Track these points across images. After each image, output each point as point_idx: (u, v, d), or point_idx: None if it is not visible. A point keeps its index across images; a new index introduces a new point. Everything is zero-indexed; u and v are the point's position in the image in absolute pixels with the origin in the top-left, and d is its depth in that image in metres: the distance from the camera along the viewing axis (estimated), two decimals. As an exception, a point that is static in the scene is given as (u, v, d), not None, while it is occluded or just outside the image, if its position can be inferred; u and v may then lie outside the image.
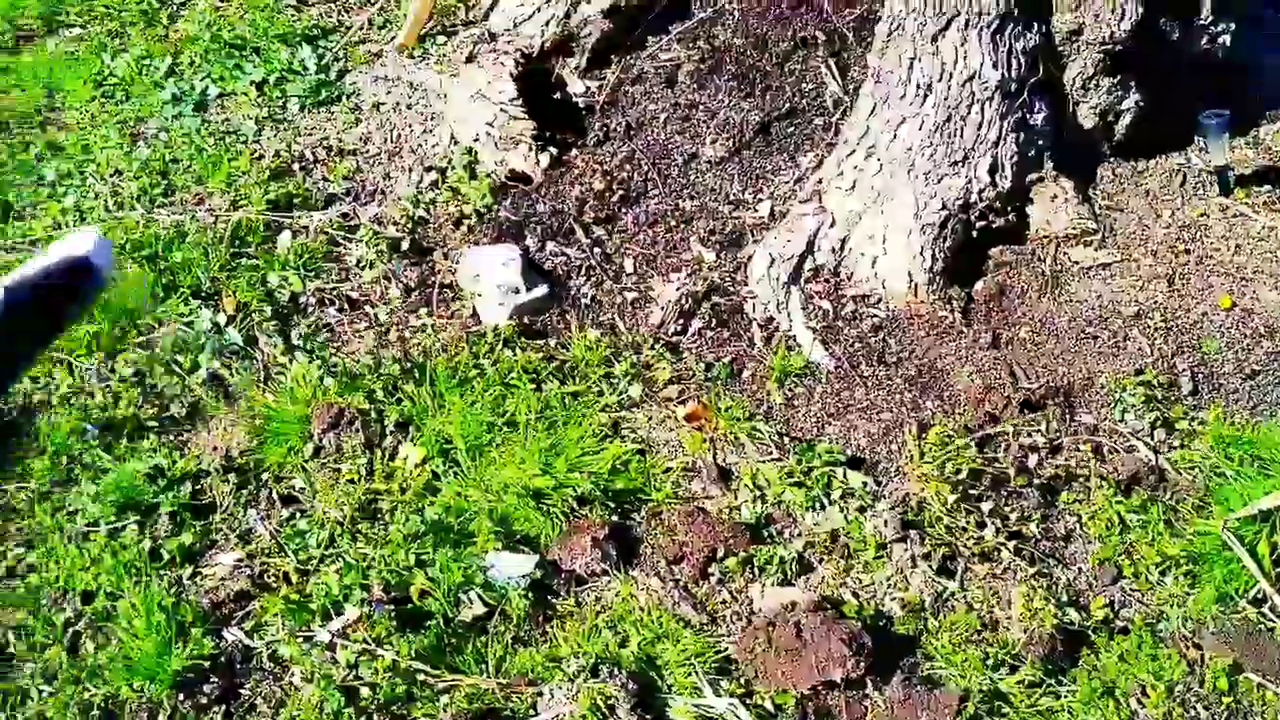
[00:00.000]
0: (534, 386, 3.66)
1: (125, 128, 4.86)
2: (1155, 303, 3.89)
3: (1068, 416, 3.59)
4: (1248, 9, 4.40)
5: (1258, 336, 3.74)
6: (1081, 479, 3.42)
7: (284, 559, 3.20)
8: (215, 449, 3.55)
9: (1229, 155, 4.20)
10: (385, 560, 3.14)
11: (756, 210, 4.26)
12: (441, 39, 5.21)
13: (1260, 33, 4.59)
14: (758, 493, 3.37)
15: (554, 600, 3.12)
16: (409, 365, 3.69)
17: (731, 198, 4.33)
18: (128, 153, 4.70)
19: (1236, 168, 4.23)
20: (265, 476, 3.46)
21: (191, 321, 3.91)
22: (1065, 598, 3.11)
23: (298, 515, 3.35)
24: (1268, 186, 4.21)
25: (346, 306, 4.09)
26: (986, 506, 3.30)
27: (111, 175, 4.59)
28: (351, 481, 3.38)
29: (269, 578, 3.17)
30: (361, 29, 5.30)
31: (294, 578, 3.13)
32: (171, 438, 3.59)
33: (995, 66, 4.02)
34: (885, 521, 3.26)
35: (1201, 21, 4.25)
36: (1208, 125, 4.13)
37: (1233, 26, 4.28)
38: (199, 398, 3.70)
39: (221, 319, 3.91)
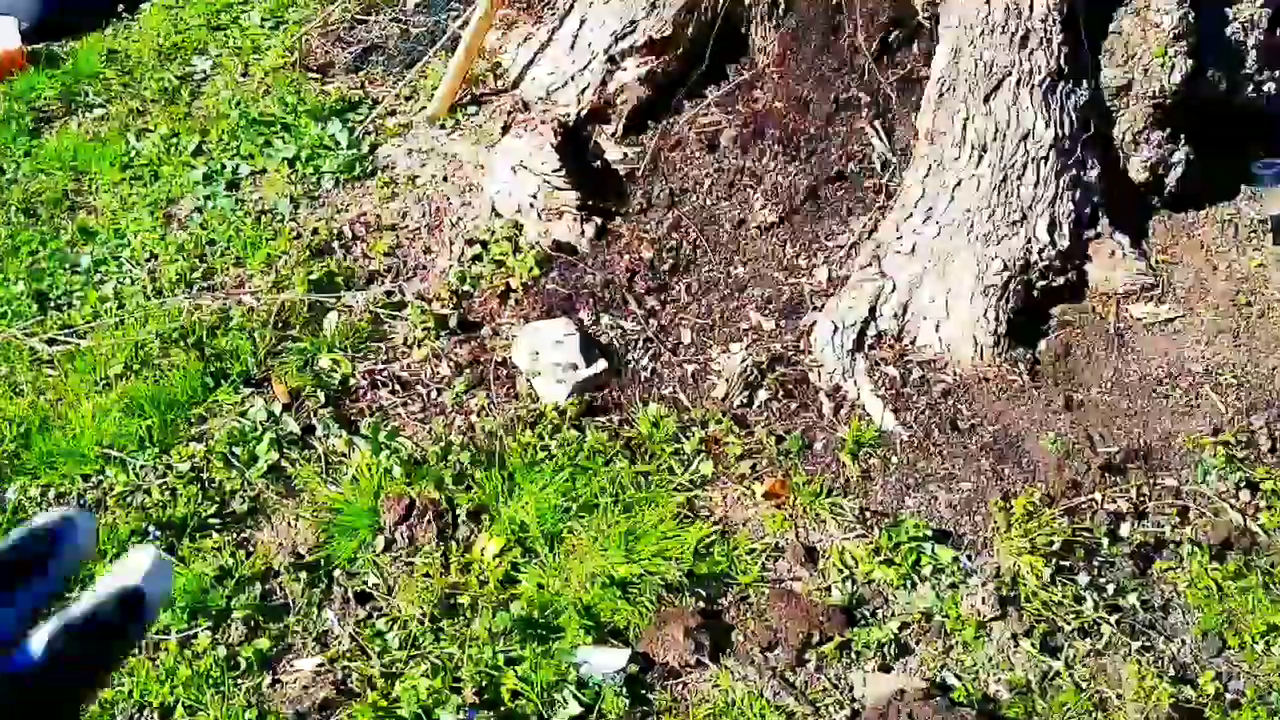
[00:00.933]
0: (602, 464, 3.58)
1: (157, 209, 4.77)
2: (1223, 358, 3.85)
3: (1150, 479, 3.53)
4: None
5: (1333, 390, 3.71)
6: (1172, 545, 3.36)
7: (366, 662, 3.09)
8: (282, 545, 3.45)
9: (1282, 205, 4.19)
10: (473, 660, 3.04)
11: (812, 276, 4.21)
12: (472, 109, 5.15)
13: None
14: (846, 572, 3.29)
15: (649, 695, 3.02)
16: (476, 451, 3.60)
17: (785, 264, 4.28)
18: (162, 236, 4.61)
19: (1288, 216, 4.21)
20: (337, 573, 3.36)
21: (245, 411, 3.81)
22: (1173, 672, 3.04)
23: (375, 614, 3.24)
24: (1322, 235, 4.20)
25: (398, 388, 4.00)
26: (1083, 579, 3.23)
27: (148, 259, 4.50)
28: (428, 575, 3.28)
29: (353, 683, 3.06)
30: (389, 101, 5.25)
31: (379, 682, 3.02)
32: (235, 535, 3.48)
33: (1048, 125, 4.00)
34: (982, 599, 3.18)
35: (1247, 71, 4.25)
36: (1263, 175, 4.13)
37: (1278, 76, 4.28)
38: (260, 491, 3.60)
39: (276, 407, 3.81)
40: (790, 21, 4.62)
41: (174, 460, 3.65)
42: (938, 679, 3.03)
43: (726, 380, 3.87)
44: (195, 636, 3.15)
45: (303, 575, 3.32)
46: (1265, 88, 4.29)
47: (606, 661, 3.03)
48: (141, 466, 3.63)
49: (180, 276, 4.38)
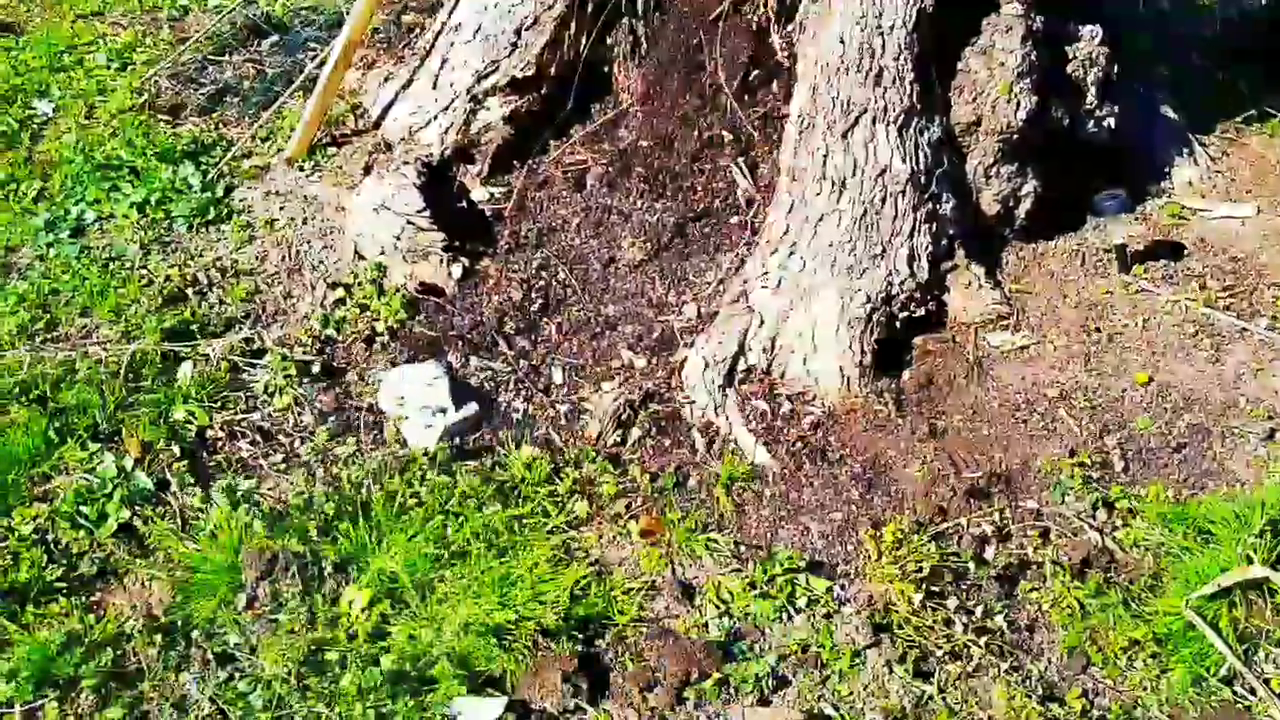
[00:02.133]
0: (475, 509, 3.50)
1: (-5, 259, 4.53)
2: (1076, 382, 3.99)
3: (1012, 502, 3.62)
4: (1129, 95, 4.63)
5: (1178, 410, 3.87)
6: (1035, 565, 3.44)
7: (228, 727, 2.94)
8: (135, 608, 3.27)
9: (1125, 234, 4.39)
10: (342, 717, 2.91)
11: (682, 312, 4.23)
12: (332, 150, 5.04)
13: (1141, 114, 4.83)
14: (723, 607, 3.28)
15: (528, 745, 2.94)
16: (342, 500, 3.48)
17: (654, 301, 4.29)
18: (1, 286, 4.36)
19: (1130, 244, 4.40)
20: (195, 634, 3.19)
21: (93, 468, 3.62)
22: (1041, 691, 3.10)
23: (237, 675, 3.08)
24: (1163, 261, 4.40)
25: (259, 438, 3.86)
26: (952, 603, 3.29)
27: (-15, 312, 4.25)
28: (293, 632, 3.15)
29: (213, 750, 2.90)
30: (245, 143, 5.10)
31: (242, 748, 2.87)
32: (84, 599, 3.28)
33: (904, 160, 4.11)
34: (856, 627, 3.20)
35: (1088, 107, 4.45)
36: (1105, 205, 4.32)
37: (1116, 110, 4.49)
38: (110, 552, 3.40)
39: (128, 462, 3.62)
40: (653, 60, 4.66)
41: (15, 522, 3.43)
42: (816, 710, 3.03)
43: (599, 419, 3.84)
44: (42, 708, 2.95)
45: (158, 638, 3.15)
46: (1105, 122, 4.49)
47: (482, 712, 2.94)
48: (-21, 530, 3.41)
49: (21, 328, 4.14)
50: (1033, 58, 4.25)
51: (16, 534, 3.40)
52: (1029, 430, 3.86)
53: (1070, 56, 4.44)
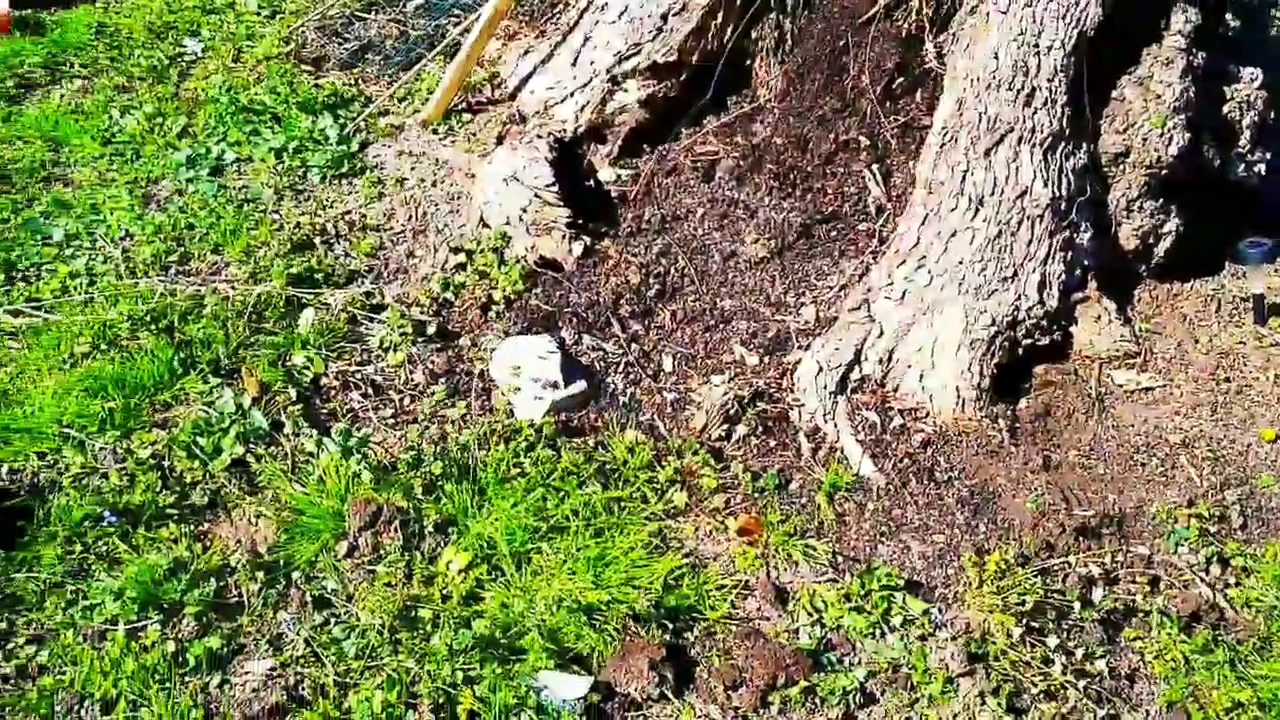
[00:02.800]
0: (576, 486, 3.51)
1: (137, 188, 4.67)
2: (1200, 431, 3.87)
3: (1123, 546, 3.52)
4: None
5: (1304, 471, 3.73)
6: (1142, 614, 3.34)
7: (320, 669, 2.98)
8: (240, 542, 3.34)
9: (1265, 284, 4.23)
10: (430, 675, 2.94)
11: (799, 314, 4.19)
12: (467, 116, 5.10)
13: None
14: (815, 615, 3.24)
15: (609, 727, 2.94)
16: (448, 462, 3.52)
17: (772, 299, 4.25)
18: (140, 215, 4.50)
19: (1269, 296, 4.25)
20: (295, 575, 3.25)
21: (212, 401, 3.71)
22: (1136, 742, 3.02)
23: (332, 620, 3.14)
24: (1302, 317, 4.24)
25: (371, 391, 3.92)
26: (1052, 641, 3.20)
27: (123, 238, 4.39)
28: (390, 585, 3.19)
29: (304, 690, 2.95)
30: (383, 101, 5.18)
31: (332, 691, 2.92)
32: (193, 527, 3.37)
33: (1046, 184, 4.01)
34: (950, 653, 3.14)
35: (1240, 150, 4.30)
36: (1249, 253, 4.17)
37: (1268, 156, 4.34)
38: (222, 485, 3.49)
39: (245, 400, 3.71)
40: (796, 58, 4.62)
41: (134, 445, 3.53)
42: (902, 732, 2.99)
43: (706, 411, 3.82)
44: (144, 629, 3.03)
45: (260, 575, 3.22)
46: (1256, 167, 4.34)
47: (567, 688, 2.95)
48: (100, 449, 3.51)
49: (155, 258, 4.27)
50: (1190, 93, 4.12)
51: (135, 457, 3.50)
52: (1146, 474, 3.74)
53: (1228, 97, 4.30)
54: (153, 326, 3.94)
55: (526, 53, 5.24)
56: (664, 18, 4.71)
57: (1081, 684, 3.12)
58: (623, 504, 3.52)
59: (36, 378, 3.74)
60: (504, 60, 5.31)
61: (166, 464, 3.52)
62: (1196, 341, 4.18)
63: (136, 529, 3.32)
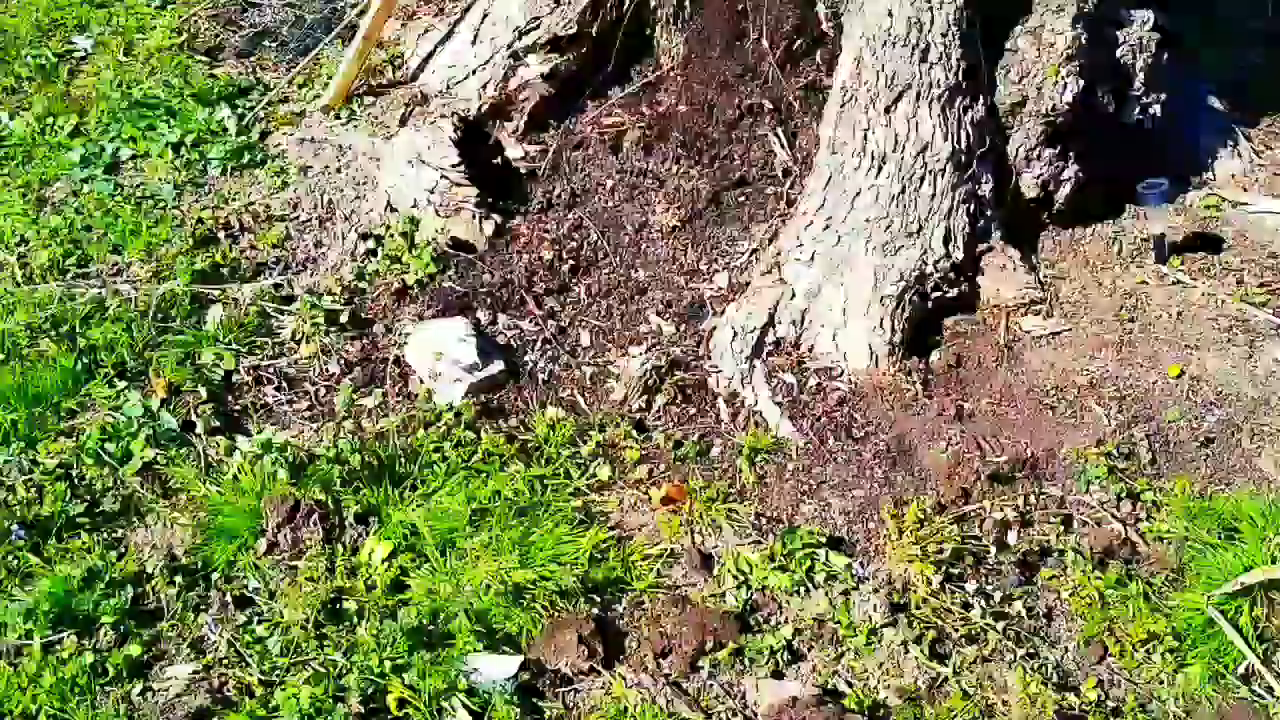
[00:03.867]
0: (498, 468, 3.51)
1: (30, 192, 4.53)
2: (1107, 372, 3.95)
3: (1036, 489, 3.60)
4: (1175, 83, 4.55)
5: (1208, 404, 3.83)
6: (1057, 553, 3.43)
7: (245, 669, 2.96)
8: (156, 547, 3.29)
9: (1165, 224, 4.33)
10: (358, 667, 2.93)
11: (712, 281, 4.21)
12: (369, 99, 5.02)
13: (1186, 103, 4.76)
14: (741, 578, 3.28)
15: (541, 704, 2.95)
16: (366, 452, 3.49)
17: (685, 268, 4.26)
18: (34, 220, 4.38)
19: (1168, 235, 4.34)
20: (215, 577, 3.22)
21: (119, 406, 3.64)
22: (1056, 679, 3.10)
23: (255, 619, 3.11)
24: (1201, 253, 4.34)
25: (285, 385, 3.87)
26: (971, 586, 3.28)
27: (18, 244, 4.27)
28: (312, 580, 3.16)
29: (230, 691, 2.93)
30: (282, 88, 5.08)
31: (258, 690, 2.90)
32: (105, 536, 3.31)
33: (946, 138, 4.06)
34: (874, 605, 3.20)
35: (1134, 93, 4.38)
36: (1147, 195, 4.25)
37: (1163, 98, 4.42)
38: (133, 490, 3.43)
39: (154, 402, 3.64)
40: (696, 25, 4.61)
41: (40, 456, 3.46)
42: (830, 685, 3.03)
43: (625, 384, 3.83)
44: (60, 642, 2.98)
45: (178, 579, 3.17)
46: (1151, 110, 4.42)
47: (497, 669, 2.95)
48: (5, 461, 3.43)
49: (53, 263, 4.16)
50: (1083, 40, 4.18)
51: (41, 467, 3.43)
52: (1056, 417, 3.82)
53: (1120, 41, 4.36)
54: (53, 333, 3.84)
55: (426, 31, 5.17)
56: (561, -10, 4.68)
57: (1001, 625, 3.20)
58: (546, 482, 3.52)
59: (-66, 393, 3.63)
60: (404, 41, 5.23)
61: (75, 473, 3.45)
62: (1100, 284, 4.27)
63: (47, 541, 3.26)
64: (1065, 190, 4.35)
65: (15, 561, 3.19)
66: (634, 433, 3.70)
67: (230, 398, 3.79)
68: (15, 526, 3.23)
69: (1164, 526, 3.48)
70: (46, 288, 4.04)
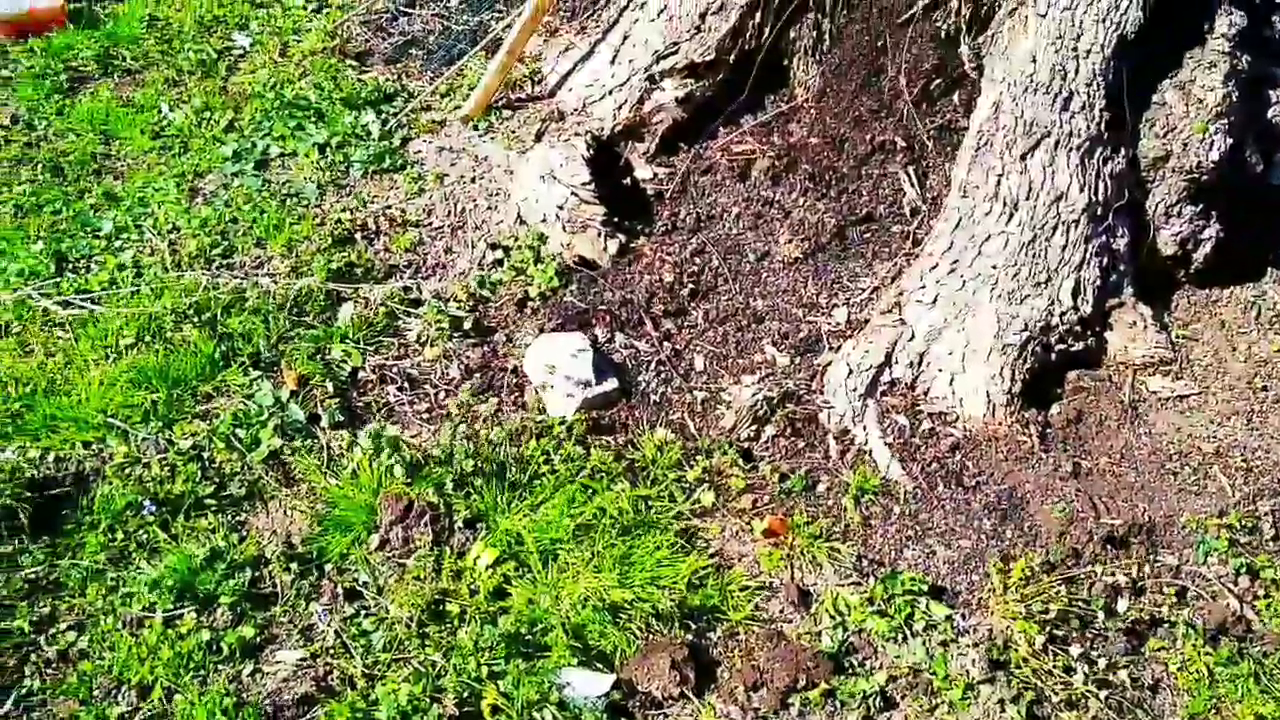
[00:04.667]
0: (605, 485, 3.56)
1: (184, 181, 4.76)
2: (1235, 440, 3.83)
3: (1151, 555, 3.51)
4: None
5: (1342, 484, 3.68)
6: (1167, 624, 3.33)
7: (349, 660, 3.06)
8: (275, 534, 3.43)
9: (1308, 292, 4.18)
10: (456, 669, 3.01)
11: (831, 316, 4.20)
12: (507, 113, 5.15)
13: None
14: (838, 619, 3.27)
15: (630, 724, 2.99)
16: (479, 458, 3.58)
17: (805, 300, 4.27)
18: (186, 209, 4.60)
19: (1311, 304, 4.20)
20: (328, 567, 3.33)
21: (252, 394, 3.80)
22: (1156, 753, 3.02)
23: (362, 612, 3.21)
24: (1345, 326, 4.18)
25: (407, 385, 3.98)
26: (1075, 650, 3.20)
27: (169, 231, 4.49)
28: (419, 579, 3.26)
29: (333, 680, 3.03)
30: (425, 96, 5.24)
31: (360, 682, 3.00)
32: (230, 518, 3.46)
33: (1083, 189, 3.99)
34: (972, 660, 3.15)
35: (1284, 156, 4.24)
36: (1290, 261, 4.11)
37: (1314, 163, 4.28)
38: (259, 477, 3.57)
39: (284, 393, 3.79)
40: (834, 58, 4.61)
41: (176, 436, 3.63)
42: (920, 737, 3.01)
43: (736, 412, 3.85)
44: (180, 618, 3.13)
45: (294, 566, 3.30)
46: (1300, 174, 4.28)
47: (590, 685, 3.00)
48: (143, 439, 3.61)
49: (200, 251, 4.37)
50: (1233, 98, 4.07)
51: (176, 447, 3.59)
52: (1178, 483, 3.72)
53: (1272, 101, 4.23)
54: (196, 319, 4.03)
55: (567, 49, 5.28)
56: (702, 16, 4.73)
57: (1103, 694, 3.13)
58: (650, 503, 3.56)
59: (83, 368, 3.84)
60: (545, 57, 5.35)
61: (206, 455, 3.61)
62: (1234, 349, 4.15)
63: (176, 519, 3.41)
64: (1204, 250, 4.24)
65: (145, 535, 3.35)
66: (740, 461, 3.72)
67: (355, 394, 3.92)
68: (147, 502, 3.39)
69: (1283, 607, 3.36)
70: (193, 275, 4.24)
